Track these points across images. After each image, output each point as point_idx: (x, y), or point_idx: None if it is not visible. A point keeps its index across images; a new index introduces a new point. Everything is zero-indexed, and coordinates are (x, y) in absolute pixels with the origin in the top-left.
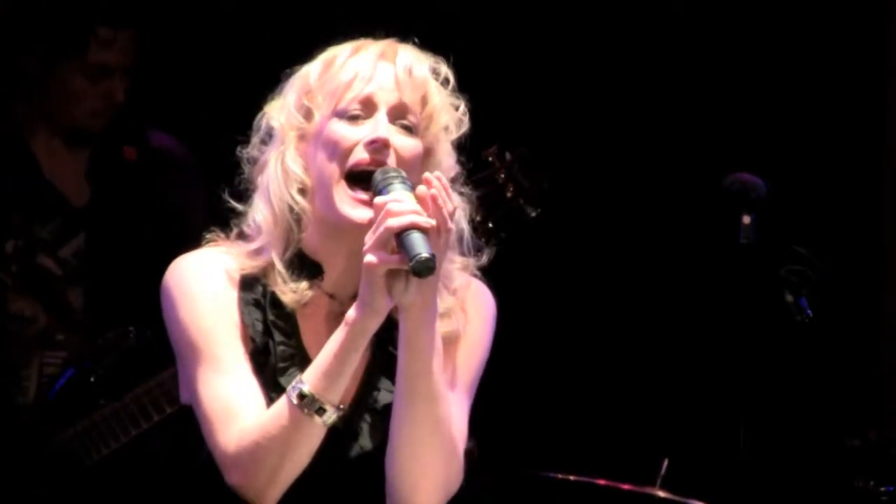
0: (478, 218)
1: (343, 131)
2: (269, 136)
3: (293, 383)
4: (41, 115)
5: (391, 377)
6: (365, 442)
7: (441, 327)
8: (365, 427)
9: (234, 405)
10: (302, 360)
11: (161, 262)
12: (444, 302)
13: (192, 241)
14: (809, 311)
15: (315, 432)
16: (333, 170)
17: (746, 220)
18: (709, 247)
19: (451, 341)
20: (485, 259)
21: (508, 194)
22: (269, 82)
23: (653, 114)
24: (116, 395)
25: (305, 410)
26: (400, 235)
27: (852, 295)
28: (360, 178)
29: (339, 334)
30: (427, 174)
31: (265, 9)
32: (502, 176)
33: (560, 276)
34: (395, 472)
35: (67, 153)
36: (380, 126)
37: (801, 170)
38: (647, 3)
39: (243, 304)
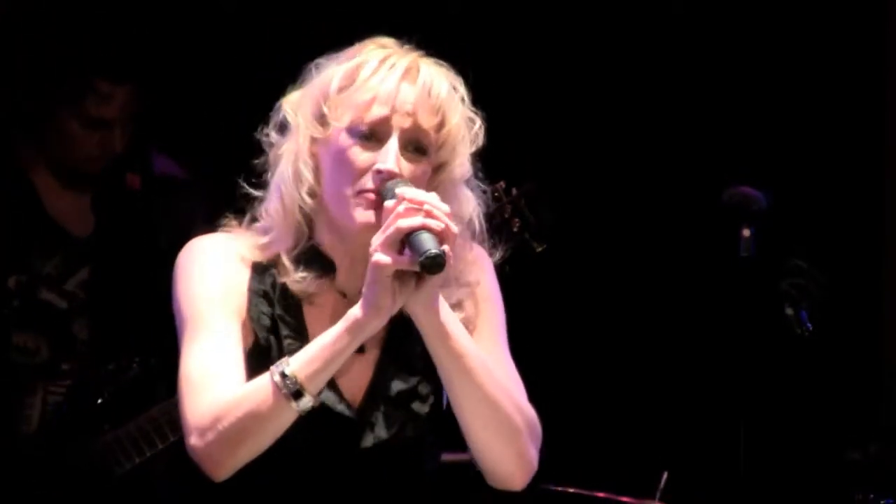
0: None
1: (355, 154)
2: (285, 127)
3: (279, 362)
4: (40, 152)
5: (405, 370)
6: (380, 431)
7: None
8: (380, 417)
9: (214, 373)
10: None
11: (163, 291)
12: (456, 294)
13: None
14: (809, 325)
15: (285, 415)
16: (343, 185)
17: (746, 233)
18: (709, 260)
19: (467, 327)
20: (499, 255)
21: (514, 229)
22: (269, 82)
23: (651, 127)
24: (119, 423)
25: (283, 391)
26: (409, 235)
27: (853, 308)
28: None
29: (338, 327)
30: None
31: (265, 9)
32: (509, 211)
33: (561, 288)
34: (478, 451)
35: (68, 187)
36: (390, 156)
37: (801, 182)
38: (643, 14)
39: (253, 293)
